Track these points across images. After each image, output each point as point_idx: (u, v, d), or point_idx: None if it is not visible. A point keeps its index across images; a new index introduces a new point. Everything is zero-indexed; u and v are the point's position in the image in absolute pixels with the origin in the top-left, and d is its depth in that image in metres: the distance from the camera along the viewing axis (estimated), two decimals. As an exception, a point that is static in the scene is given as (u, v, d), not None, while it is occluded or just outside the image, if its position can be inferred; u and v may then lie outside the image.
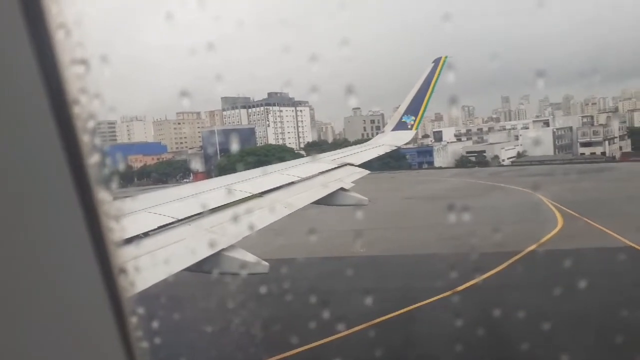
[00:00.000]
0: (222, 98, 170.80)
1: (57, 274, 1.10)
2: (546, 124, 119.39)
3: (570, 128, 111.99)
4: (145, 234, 4.83)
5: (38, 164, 1.06)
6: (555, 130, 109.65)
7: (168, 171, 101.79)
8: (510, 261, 16.58)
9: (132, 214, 5.26)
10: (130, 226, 4.67)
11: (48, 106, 1.04)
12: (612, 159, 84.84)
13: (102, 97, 1.37)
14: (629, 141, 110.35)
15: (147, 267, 4.13)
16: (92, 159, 1.15)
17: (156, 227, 5.02)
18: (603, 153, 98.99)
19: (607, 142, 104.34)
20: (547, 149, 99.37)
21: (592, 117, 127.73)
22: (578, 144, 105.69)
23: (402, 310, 12.97)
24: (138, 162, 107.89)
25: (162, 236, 4.94)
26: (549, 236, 20.65)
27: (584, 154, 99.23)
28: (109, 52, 1.99)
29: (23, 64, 1.01)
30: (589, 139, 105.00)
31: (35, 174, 1.05)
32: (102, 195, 1.18)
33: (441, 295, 13.38)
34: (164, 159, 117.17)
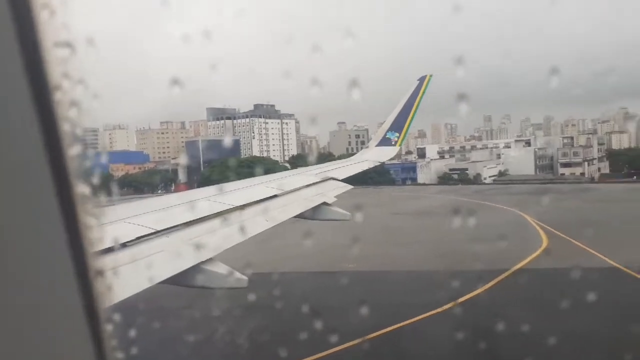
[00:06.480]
0: (207, 109, 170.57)
1: (30, 273, 1.04)
2: (528, 143, 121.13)
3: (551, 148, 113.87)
4: (123, 245, 4.74)
5: (14, 151, 0.99)
6: (536, 149, 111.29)
7: (150, 181, 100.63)
8: (498, 279, 16.83)
9: (110, 223, 5.17)
10: (108, 236, 4.58)
11: (27, 90, 0.98)
12: (592, 180, 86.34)
13: (86, 83, 1.30)
14: (607, 163, 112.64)
15: (123, 279, 4.04)
16: (73, 150, 1.09)
17: (134, 237, 4.93)
18: (582, 174, 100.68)
19: (586, 163, 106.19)
20: (528, 168, 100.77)
21: (572, 137, 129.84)
22: (559, 164, 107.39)
23: (390, 328, 12.91)
24: (119, 170, 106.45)
25: (140, 247, 4.85)
26: (534, 255, 20.99)
27: (564, 174, 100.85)
28: (95, 36, 1.83)
29: (3, 44, 0.96)
30: (569, 160, 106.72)
31: (10, 163, 0.99)
32: (81, 189, 1.12)
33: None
34: (146, 169, 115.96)
